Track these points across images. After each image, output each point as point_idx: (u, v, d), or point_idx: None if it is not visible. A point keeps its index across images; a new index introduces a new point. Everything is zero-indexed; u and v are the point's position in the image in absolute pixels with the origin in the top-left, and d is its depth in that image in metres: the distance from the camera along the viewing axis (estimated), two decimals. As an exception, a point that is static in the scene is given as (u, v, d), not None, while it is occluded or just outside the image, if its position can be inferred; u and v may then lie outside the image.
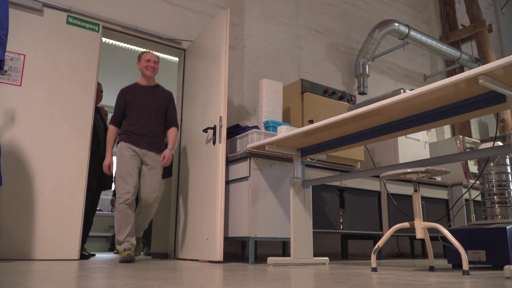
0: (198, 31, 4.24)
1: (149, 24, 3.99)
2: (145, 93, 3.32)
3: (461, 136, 4.83)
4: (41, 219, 3.09)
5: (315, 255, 4.17)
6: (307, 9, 5.24)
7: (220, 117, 3.23)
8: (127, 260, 2.88)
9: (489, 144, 2.65)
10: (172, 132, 3.36)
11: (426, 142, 4.55)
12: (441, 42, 6.05)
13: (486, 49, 6.45)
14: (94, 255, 4.07)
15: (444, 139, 5.03)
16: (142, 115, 3.25)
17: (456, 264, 2.56)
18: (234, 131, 3.58)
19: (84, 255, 3.54)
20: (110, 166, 3.23)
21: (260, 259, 3.68)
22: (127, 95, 3.29)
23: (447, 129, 6.33)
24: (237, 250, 3.89)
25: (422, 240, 4.83)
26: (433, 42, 5.86)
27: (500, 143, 2.31)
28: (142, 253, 5.01)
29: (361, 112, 2.19)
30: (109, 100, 6.56)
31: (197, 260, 3.24)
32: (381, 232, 3.88)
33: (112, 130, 3.28)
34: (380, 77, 5.88)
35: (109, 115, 4.03)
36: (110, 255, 4.63)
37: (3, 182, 2.98)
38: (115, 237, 3.15)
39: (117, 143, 3.22)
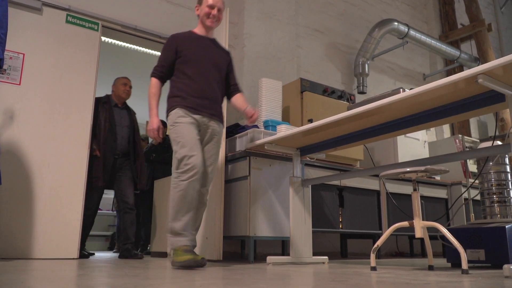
0: (197, 30, 4.23)
1: (148, 23, 3.99)
2: (204, 44, 2.66)
3: (460, 135, 4.83)
4: (41, 218, 3.09)
5: (314, 254, 4.17)
6: (307, 8, 5.24)
7: (220, 116, 3.23)
8: (190, 265, 2.14)
9: (488, 143, 2.65)
10: (241, 97, 2.78)
11: (425, 141, 4.55)
12: (440, 41, 6.05)
13: (486, 49, 6.45)
14: (94, 254, 4.07)
15: (443, 138, 5.03)
16: (202, 72, 2.57)
17: (455, 263, 2.56)
18: (234, 130, 3.58)
19: (84, 254, 3.54)
20: (159, 130, 2.52)
21: (260, 258, 3.68)
22: (180, 43, 2.60)
23: (446, 128, 6.34)
24: (237, 249, 3.89)
25: (422, 239, 4.84)
26: (432, 41, 5.86)
27: (499, 142, 2.31)
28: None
29: (360, 111, 2.19)
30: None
31: (197, 259, 3.23)
32: (380, 231, 3.88)
33: (155, 84, 2.58)
34: (380, 77, 5.88)
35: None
36: (109, 254, 4.63)
37: (3, 181, 2.98)
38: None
39: (170, 110, 2.53)
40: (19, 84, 3.20)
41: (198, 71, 2.56)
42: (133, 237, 3.62)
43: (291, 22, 4.73)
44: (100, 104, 3.70)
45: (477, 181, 2.77)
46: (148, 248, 4.80)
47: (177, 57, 2.58)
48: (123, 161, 3.73)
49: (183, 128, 2.43)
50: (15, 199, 3.03)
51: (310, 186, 3.03)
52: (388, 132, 2.44)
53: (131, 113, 3.91)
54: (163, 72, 2.60)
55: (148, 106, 2.54)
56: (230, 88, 2.80)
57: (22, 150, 3.13)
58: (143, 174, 3.83)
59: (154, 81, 2.58)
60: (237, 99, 2.77)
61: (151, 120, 2.52)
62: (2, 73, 3.14)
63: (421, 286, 1.36)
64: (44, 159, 3.18)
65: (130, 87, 3.91)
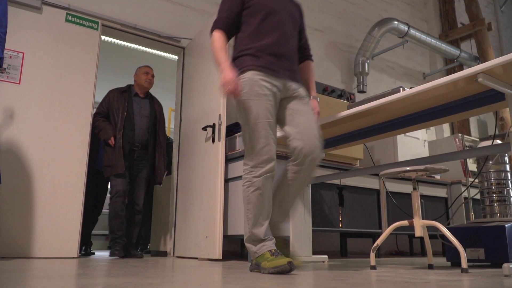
0: (197, 29, 4.23)
1: (148, 22, 3.99)
2: None
3: (460, 135, 4.83)
4: (40, 217, 3.09)
5: (314, 253, 4.17)
6: (306, 7, 5.23)
7: (220, 115, 3.23)
8: (285, 270, 1.78)
9: (488, 143, 2.65)
10: (310, 69, 2.31)
11: (425, 141, 4.55)
12: (440, 40, 6.05)
13: (485, 48, 6.45)
14: (94, 253, 4.07)
15: (443, 138, 5.03)
16: (277, 24, 2.08)
17: (455, 262, 2.57)
18: (234, 129, 3.58)
19: (88, 253, 3.54)
20: (237, 81, 1.98)
21: (259, 257, 3.67)
22: None
23: (446, 128, 6.34)
24: (236, 248, 3.90)
25: (421, 238, 4.84)
26: (432, 40, 5.86)
27: (499, 142, 2.31)
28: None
29: (360, 110, 2.19)
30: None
31: (196, 258, 3.24)
32: (380, 230, 3.88)
33: (219, 37, 2.09)
34: (380, 76, 5.88)
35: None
36: (109, 253, 4.63)
37: (3, 180, 2.98)
38: (248, 231, 2.03)
39: (241, 71, 2.04)
40: (19, 83, 3.20)
41: (272, 23, 2.07)
42: (134, 238, 3.60)
43: (291, 21, 4.72)
44: (119, 93, 3.63)
45: (476, 180, 2.78)
46: (148, 247, 4.80)
47: (244, 8, 2.11)
48: (142, 154, 3.59)
49: (257, 106, 1.96)
50: (15, 198, 3.03)
51: (309, 185, 3.03)
52: (388, 131, 2.44)
53: (154, 104, 3.76)
54: (227, 25, 2.11)
55: (216, 61, 2.05)
56: (300, 48, 2.28)
57: (22, 149, 3.13)
58: (161, 170, 3.65)
59: (217, 34, 2.09)
60: (305, 71, 2.30)
61: (224, 72, 1.98)
62: (2, 72, 3.14)
63: (420, 285, 1.36)
64: (44, 158, 3.18)
65: (153, 75, 3.77)
